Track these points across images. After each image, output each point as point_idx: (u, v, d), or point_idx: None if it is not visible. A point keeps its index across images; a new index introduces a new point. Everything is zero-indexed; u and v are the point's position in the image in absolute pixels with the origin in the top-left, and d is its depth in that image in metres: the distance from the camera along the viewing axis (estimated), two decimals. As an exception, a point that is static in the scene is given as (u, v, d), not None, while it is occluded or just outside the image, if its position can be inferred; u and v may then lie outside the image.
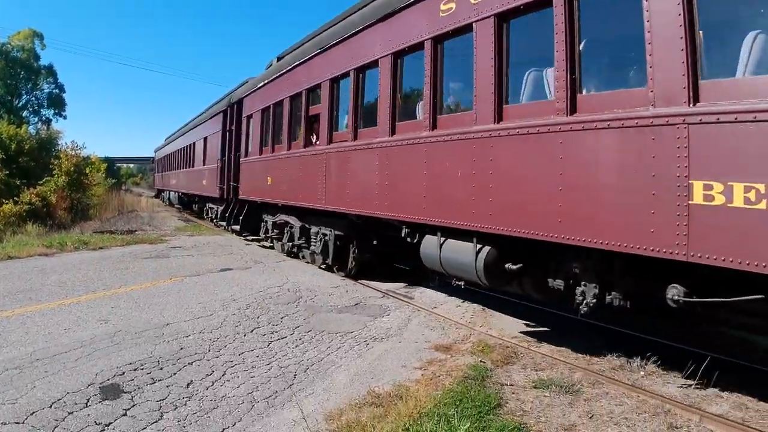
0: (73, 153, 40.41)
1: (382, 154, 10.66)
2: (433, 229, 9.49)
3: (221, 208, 25.53)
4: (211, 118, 27.85)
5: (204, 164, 28.69)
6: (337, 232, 13.70)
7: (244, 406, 6.04)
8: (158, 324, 9.07)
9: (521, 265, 8.01)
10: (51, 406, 5.82)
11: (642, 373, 7.31)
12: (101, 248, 19.13)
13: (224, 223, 24.67)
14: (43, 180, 37.63)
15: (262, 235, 20.53)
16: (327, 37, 13.42)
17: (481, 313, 10.43)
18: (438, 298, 11.75)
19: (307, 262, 15.97)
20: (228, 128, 23.53)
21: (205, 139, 28.79)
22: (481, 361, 7.58)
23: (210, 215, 30.49)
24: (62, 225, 29.86)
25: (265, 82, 18.48)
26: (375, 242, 13.28)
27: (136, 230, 27.30)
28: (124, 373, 6.80)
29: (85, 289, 11.83)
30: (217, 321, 9.36)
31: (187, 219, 36.15)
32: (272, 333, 8.80)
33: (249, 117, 20.48)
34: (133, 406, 5.92)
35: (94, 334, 8.40)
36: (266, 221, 19.62)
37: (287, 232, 17.44)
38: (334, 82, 12.98)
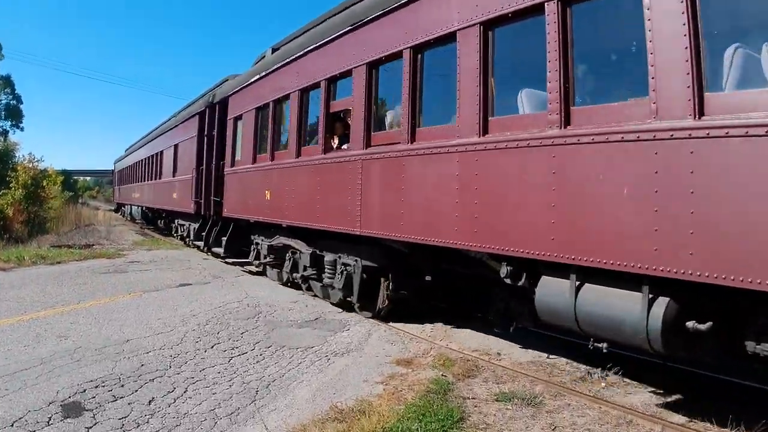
0: (31, 165, 39.84)
1: (468, 161, 7.65)
2: (557, 268, 6.77)
3: (196, 226, 22.27)
4: (184, 122, 24.58)
5: (174, 175, 25.69)
6: (365, 263, 10.65)
7: (207, 423, 6.04)
8: (118, 340, 9.01)
9: (711, 323, 5.47)
10: (13, 425, 5.75)
11: (603, 384, 7.46)
12: (59, 263, 18.88)
13: (200, 243, 21.44)
14: (0, 193, 37.01)
15: (253, 261, 16.72)
16: (363, 10, 10.27)
17: (441, 327, 10.49)
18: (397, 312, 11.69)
19: (313, 296, 13.30)
20: (206, 133, 20.36)
21: (176, 146, 25.79)
22: (442, 374, 7.65)
23: (180, 233, 26.99)
24: (19, 239, 29.39)
25: (262, 75, 15.11)
26: (428, 277, 10.26)
27: (93, 244, 26.96)
28: (85, 390, 6.75)
29: (44, 304, 11.69)
30: (177, 337, 9.33)
31: (145, 233, 35.78)
32: (233, 349, 8.79)
33: (237, 118, 17.13)
34: (96, 424, 5.89)
35: (54, 351, 8.32)
36: (258, 244, 16.06)
37: (289, 259, 14.10)
38: (373, 67, 9.98)
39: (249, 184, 15.90)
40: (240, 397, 6.77)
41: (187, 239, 25.04)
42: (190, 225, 24.15)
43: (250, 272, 17.35)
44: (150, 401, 6.51)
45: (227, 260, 18.79)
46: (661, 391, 6.93)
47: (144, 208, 39.21)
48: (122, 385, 6.97)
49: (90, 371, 7.46)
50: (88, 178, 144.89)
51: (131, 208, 47.07)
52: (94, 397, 6.55)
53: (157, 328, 9.88)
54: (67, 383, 6.97)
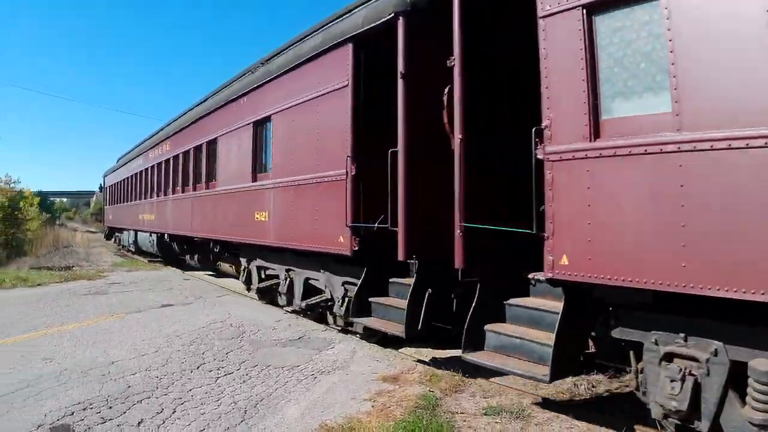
0: (8, 187, 39.51)
1: None
2: None
3: (352, 280, 10.66)
4: (298, 69, 11.89)
5: (259, 178, 13.88)
6: None
7: (196, 443, 6.07)
8: (104, 362, 8.96)
9: None
10: (2, 449, 5.76)
11: (590, 395, 7.57)
12: (39, 285, 18.72)
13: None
14: (-24, 215, 36.63)
15: None
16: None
17: (426, 343, 10.54)
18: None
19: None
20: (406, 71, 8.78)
21: (264, 125, 13.72)
22: (430, 390, 7.68)
23: (282, 289, 13.63)
24: (-3, 261, 29.17)
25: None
26: None
27: (73, 266, 26.81)
28: (73, 413, 6.72)
29: (27, 327, 11.59)
30: (162, 358, 9.29)
31: (123, 254, 35.53)
32: (219, 369, 8.77)
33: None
34: (85, 446, 5.91)
35: (40, 374, 8.27)
36: None
37: None
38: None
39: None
40: (229, 416, 6.76)
41: (328, 313, 12.17)
42: (327, 276, 11.77)
43: (234, 292, 17.27)
44: (139, 423, 6.49)
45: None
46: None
47: (164, 236, 24.62)
48: (110, 407, 6.94)
49: (77, 393, 7.43)
50: (64, 200, 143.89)
51: (133, 236, 31.91)
52: (82, 420, 6.53)
53: (142, 349, 9.83)
54: (54, 406, 6.94)
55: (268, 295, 14.72)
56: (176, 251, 24.11)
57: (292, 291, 13.18)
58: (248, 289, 15.70)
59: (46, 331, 11.21)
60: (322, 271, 11.81)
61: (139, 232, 30.42)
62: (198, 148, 18.97)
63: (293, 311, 13.32)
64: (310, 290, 12.44)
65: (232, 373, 8.59)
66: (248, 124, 14.21)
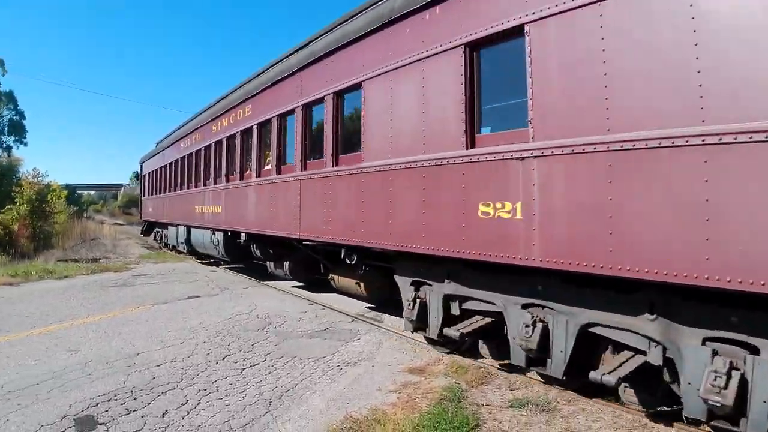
0: (35, 181, 39.80)
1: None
2: None
3: None
4: None
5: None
6: None
7: (221, 434, 6.01)
8: (129, 353, 8.95)
9: None
10: (26, 440, 5.74)
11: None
12: (66, 277, 18.88)
13: None
14: (5, 208, 36.92)
15: None
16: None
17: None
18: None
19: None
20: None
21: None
22: (455, 382, 7.60)
23: None
24: (25, 254, 29.36)
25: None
26: None
27: (100, 258, 26.98)
28: (98, 404, 6.71)
29: (53, 318, 11.65)
30: (187, 349, 9.27)
31: (150, 246, 35.72)
32: (244, 360, 8.72)
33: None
34: (110, 437, 5.87)
35: (65, 365, 8.28)
36: None
37: None
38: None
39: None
40: (253, 408, 6.71)
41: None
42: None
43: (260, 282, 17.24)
44: (163, 414, 6.46)
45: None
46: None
47: (235, 236, 17.97)
48: (135, 398, 6.92)
49: (102, 385, 7.42)
50: (92, 193, 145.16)
51: (185, 233, 24.55)
52: (107, 411, 6.50)
53: (168, 340, 9.82)
54: (79, 397, 6.93)
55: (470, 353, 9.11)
56: (256, 255, 17.02)
57: (545, 347, 7.06)
58: (416, 329, 9.53)
59: (72, 322, 11.23)
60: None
61: (193, 229, 22.90)
62: (311, 106, 12.34)
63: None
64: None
65: (258, 364, 8.54)
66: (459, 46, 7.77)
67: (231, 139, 17.72)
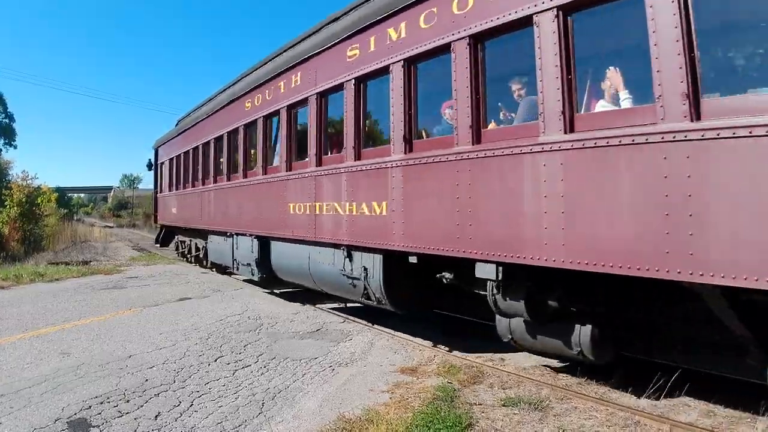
0: (25, 183, 39.68)
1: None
2: None
3: None
4: None
5: None
6: None
7: (214, 436, 6.01)
8: (121, 356, 8.94)
9: None
10: (19, 443, 5.73)
11: (608, 387, 7.47)
12: (57, 280, 18.80)
13: None
14: (-5, 211, 36.81)
15: None
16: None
17: (443, 335, 10.47)
18: (397, 323, 11.78)
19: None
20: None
21: None
22: (448, 381, 7.64)
23: None
24: (16, 257, 29.30)
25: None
26: None
27: (90, 261, 26.94)
28: (90, 406, 6.69)
29: (45, 321, 11.60)
30: (180, 351, 9.26)
31: (141, 248, 35.63)
32: (236, 362, 8.73)
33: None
34: (103, 440, 5.87)
35: (57, 368, 8.26)
36: None
37: None
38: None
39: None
40: (246, 409, 6.71)
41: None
42: None
43: (252, 283, 17.25)
44: (156, 416, 6.46)
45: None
46: (665, 392, 6.92)
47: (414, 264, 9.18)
48: (128, 401, 6.91)
49: (94, 387, 7.40)
50: (82, 195, 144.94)
51: (256, 248, 14.84)
52: (100, 413, 6.49)
53: (160, 343, 9.80)
54: (72, 400, 6.92)
55: None
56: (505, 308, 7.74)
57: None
58: None
59: (64, 325, 11.19)
60: None
61: (279, 243, 13.82)
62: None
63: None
64: None
65: (250, 365, 8.54)
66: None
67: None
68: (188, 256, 24.49)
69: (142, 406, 6.76)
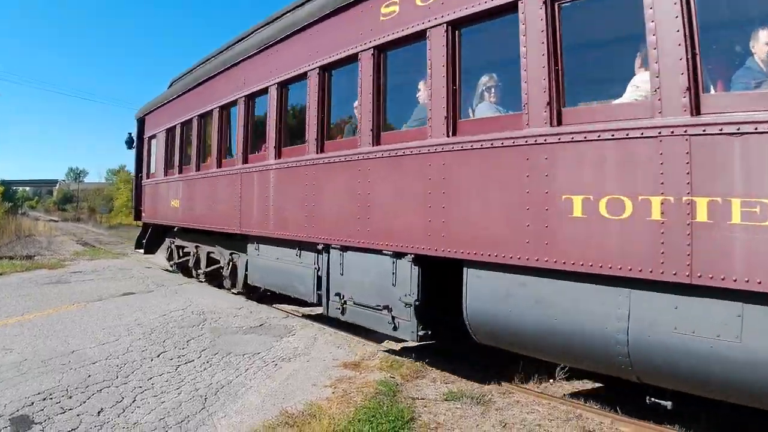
0: (-32, 177, 38.61)
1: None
2: None
3: None
4: None
5: None
6: None
7: (157, 432, 5.95)
8: (64, 351, 8.73)
9: None
10: (-41, 441, 5.58)
11: (551, 381, 7.60)
12: (1, 274, 18.34)
13: None
14: (-64, 205, 35.71)
15: None
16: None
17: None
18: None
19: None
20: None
21: None
22: (390, 376, 7.69)
23: None
24: (-43, 251, 28.47)
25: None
26: None
27: (35, 255, 26.18)
28: (33, 403, 6.52)
29: (-14, 317, 11.31)
30: (123, 347, 9.09)
31: (85, 243, 34.92)
32: (179, 357, 8.62)
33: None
34: (45, 437, 5.75)
35: (-1, 364, 8.08)
36: None
37: None
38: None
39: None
40: (189, 404, 6.64)
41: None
42: None
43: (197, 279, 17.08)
44: (99, 412, 6.34)
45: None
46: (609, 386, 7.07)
47: None
48: (70, 397, 6.76)
49: (37, 383, 7.22)
50: (27, 188, 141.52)
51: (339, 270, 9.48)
52: (42, 410, 6.34)
53: (103, 338, 9.61)
54: (14, 396, 6.73)
55: None
56: None
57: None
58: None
59: (6, 320, 10.89)
60: None
61: (415, 263, 8.01)
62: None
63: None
64: None
65: (193, 361, 8.45)
66: None
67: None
68: (194, 270, 17.17)
69: (84, 402, 6.63)
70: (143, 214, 20.84)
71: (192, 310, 12.15)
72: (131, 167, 24.23)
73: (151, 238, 21.00)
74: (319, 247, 9.92)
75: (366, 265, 8.89)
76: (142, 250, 21.74)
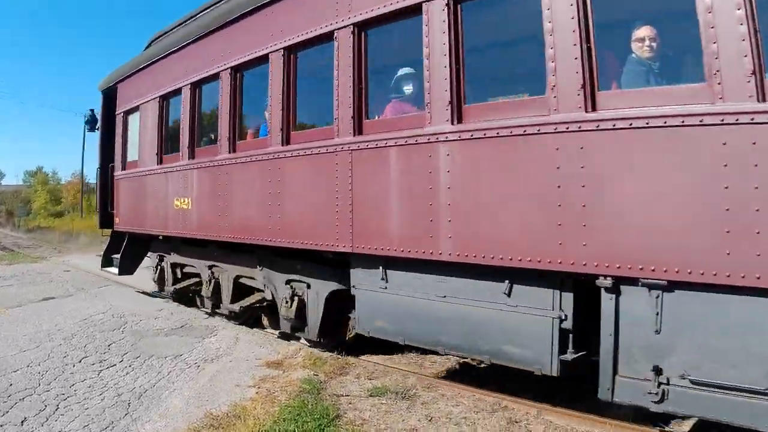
0: None
1: None
2: None
3: None
4: None
5: None
6: None
7: (81, 439, 5.93)
8: (-17, 360, 8.59)
9: None
10: None
11: (475, 373, 7.79)
12: None
13: None
14: None
15: None
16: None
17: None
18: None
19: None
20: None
21: None
22: (314, 374, 7.75)
23: None
24: None
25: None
26: None
27: (-54, 260, 25.34)
28: (-47, 415, 6.44)
29: None
30: (44, 353, 8.92)
31: (3, 247, 33.75)
32: (101, 362, 8.52)
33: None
34: (-33, 449, 5.68)
35: None
36: None
37: None
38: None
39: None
40: (113, 410, 6.62)
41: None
42: None
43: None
44: (22, 421, 6.26)
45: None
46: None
47: None
48: (-9, 407, 6.69)
49: (-44, 394, 7.09)
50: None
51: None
52: (-37, 422, 6.27)
53: (23, 345, 9.41)
54: (-67, 409, 6.61)
55: None
56: None
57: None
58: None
59: None
60: None
61: None
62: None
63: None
64: None
65: (115, 365, 8.38)
66: None
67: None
68: (208, 301, 11.67)
69: (7, 412, 6.52)
70: (116, 220, 14.43)
71: (113, 313, 11.96)
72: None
73: (128, 252, 14.53)
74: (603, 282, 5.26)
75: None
76: (114, 270, 14.79)
